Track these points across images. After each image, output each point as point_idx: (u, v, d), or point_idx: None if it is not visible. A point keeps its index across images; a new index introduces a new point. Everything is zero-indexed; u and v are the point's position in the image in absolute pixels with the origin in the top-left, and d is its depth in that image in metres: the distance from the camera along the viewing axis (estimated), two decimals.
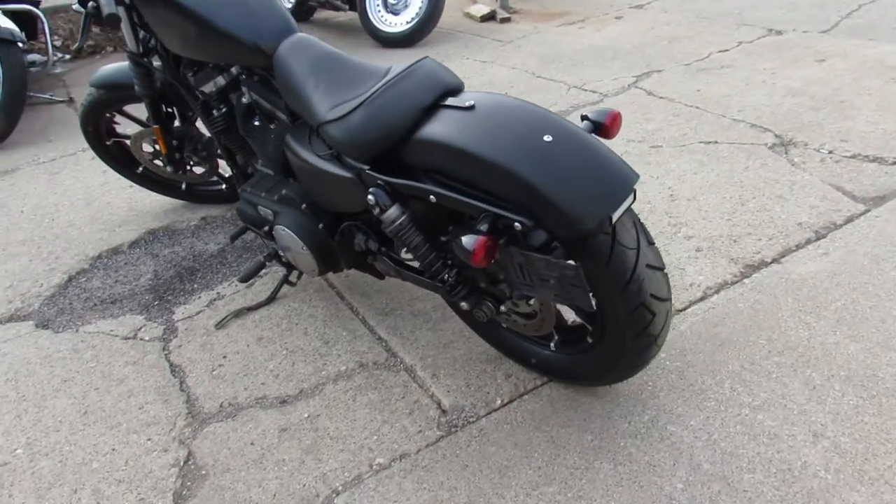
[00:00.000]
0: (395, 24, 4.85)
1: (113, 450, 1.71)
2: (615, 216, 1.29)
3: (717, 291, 2.04)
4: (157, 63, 2.11)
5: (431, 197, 1.42)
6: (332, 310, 2.14)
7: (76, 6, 1.89)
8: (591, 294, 1.38)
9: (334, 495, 1.54)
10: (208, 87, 1.98)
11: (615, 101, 3.50)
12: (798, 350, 1.80)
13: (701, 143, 2.95)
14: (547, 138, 1.31)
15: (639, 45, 4.37)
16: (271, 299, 2.20)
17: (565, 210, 1.26)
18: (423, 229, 1.52)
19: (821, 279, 2.04)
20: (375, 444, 1.66)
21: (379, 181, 1.49)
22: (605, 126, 1.47)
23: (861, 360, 1.74)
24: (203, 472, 1.63)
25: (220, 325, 2.12)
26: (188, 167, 2.57)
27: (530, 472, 1.54)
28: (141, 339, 2.10)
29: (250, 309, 2.18)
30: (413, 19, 4.78)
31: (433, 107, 1.45)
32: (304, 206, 1.82)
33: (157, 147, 2.50)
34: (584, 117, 1.50)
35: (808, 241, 2.22)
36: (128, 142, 2.57)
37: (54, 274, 2.47)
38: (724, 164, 2.75)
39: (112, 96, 2.38)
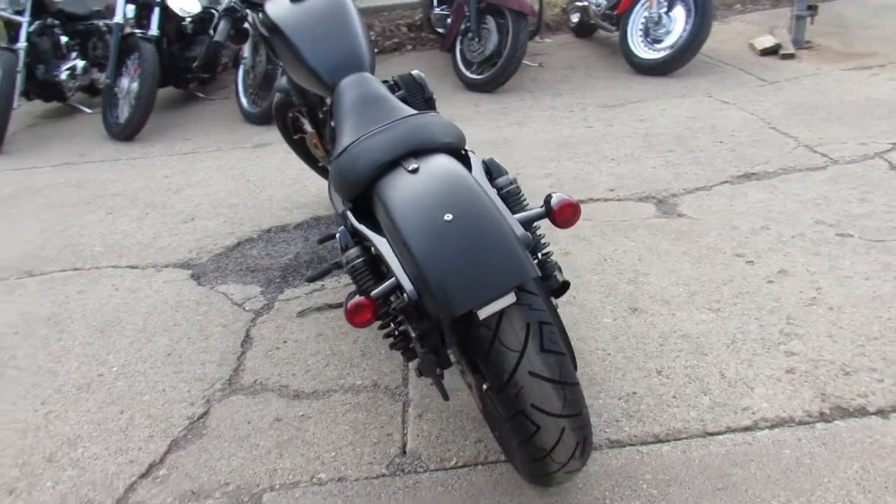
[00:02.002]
0: (653, 50, 4.63)
1: (163, 390, 2.10)
2: (483, 312, 1.21)
3: (771, 427, 1.70)
4: None
5: (373, 248, 1.47)
6: None
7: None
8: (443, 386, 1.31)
9: (268, 490, 1.70)
10: (319, 108, 2.23)
11: (839, 170, 2.95)
12: None
13: None
14: (447, 217, 1.28)
15: None
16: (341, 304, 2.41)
17: (434, 292, 1.23)
18: (378, 276, 1.57)
19: None
20: (330, 459, 1.78)
21: (348, 222, 1.58)
22: (552, 213, 1.36)
23: None
24: (203, 431, 1.92)
25: (301, 313, 2.40)
26: None
27: None
28: (243, 308, 2.48)
29: (330, 306, 2.42)
30: (671, 47, 4.51)
31: (394, 163, 1.49)
32: None
33: None
34: (546, 199, 1.41)
35: None
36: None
37: (230, 237, 3.01)
38: None
39: (290, 100, 2.78)
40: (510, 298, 1.23)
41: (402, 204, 1.35)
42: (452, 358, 1.54)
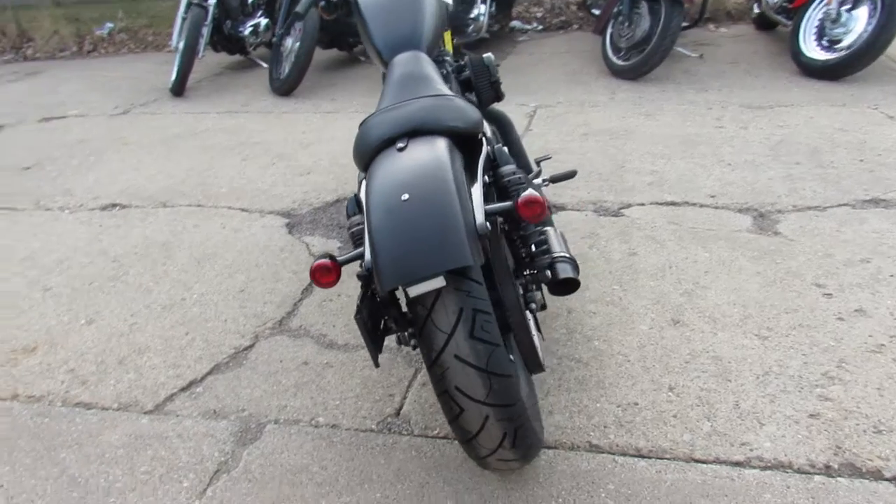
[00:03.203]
0: (827, 50, 4.19)
1: (225, 320, 2.37)
2: (412, 290, 1.27)
3: (763, 468, 1.59)
4: None
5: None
6: None
7: None
8: (376, 354, 1.37)
9: (272, 423, 1.89)
10: None
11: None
12: None
13: None
14: (404, 197, 1.34)
15: None
16: None
17: (378, 266, 1.31)
18: None
19: None
20: (333, 407, 1.93)
21: (359, 190, 1.69)
22: (517, 206, 1.37)
23: None
24: (243, 362, 2.16)
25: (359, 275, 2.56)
26: None
27: (378, 497, 1.63)
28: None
29: None
30: (847, 48, 4.06)
31: (392, 140, 1.57)
32: None
33: None
34: (514, 193, 1.42)
35: None
36: None
37: (333, 194, 3.25)
38: None
39: None
40: (439, 282, 1.27)
41: (376, 179, 1.43)
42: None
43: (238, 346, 2.22)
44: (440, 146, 1.49)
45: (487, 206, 1.41)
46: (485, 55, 2.24)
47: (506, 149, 1.72)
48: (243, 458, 1.78)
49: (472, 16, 5.16)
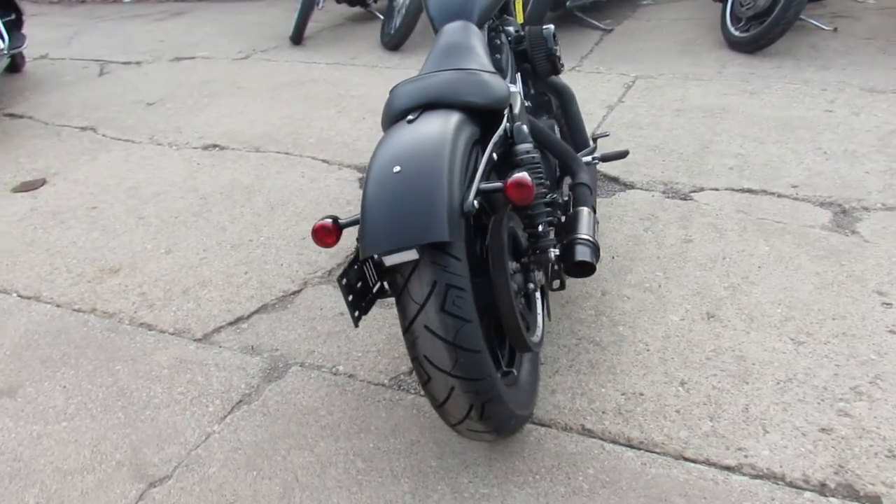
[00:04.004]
0: None
1: (281, 265, 2.54)
2: (387, 260, 1.34)
3: (753, 476, 1.55)
4: None
5: None
6: None
7: None
8: (354, 314, 1.44)
9: (297, 365, 2.04)
10: None
11: None
12: None
13: None
14: (396, 169, 1.40)
15: None
16: None
17: (362, 233, 1.38)
18: None
19: None
20: (355, 358, 2.05)
21: None
22: (505, 187, 1.39)
23: None
24: (287, 305, 2.32)
25: None
26: None
27: (371, 447, 1.74)
28: None
29: None
30: None
31: (407, 111, 1.61)
32: None
33: None
34: (508, 174, 1.43)
35: None
36: None
37: None
38: None
39: None
40: (412, 255, 1.32)
41: (379, 150, 1.49)
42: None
43: (287, 290, 2.39)
44: (449, 121, 1.52)
45: (483, 186, 1.43)
46: (545, 27, 2.21)
47: (525, 127, 1.70)
48: (265, 393, 1.94)
49: None
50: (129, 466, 1.75)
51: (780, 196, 2.63)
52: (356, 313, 1.45)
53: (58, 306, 2.42)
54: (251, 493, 1.64)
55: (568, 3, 4.93)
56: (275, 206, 2.94)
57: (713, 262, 2.28)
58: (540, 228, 1.64)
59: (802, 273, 2.18)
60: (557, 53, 2.20)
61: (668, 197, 2.70)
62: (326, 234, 1.48)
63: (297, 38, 5.35)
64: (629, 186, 2.82)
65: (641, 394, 1.80)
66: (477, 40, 1.93)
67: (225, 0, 7.37)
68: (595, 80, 4.00)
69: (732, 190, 2.70)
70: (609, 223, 2.55)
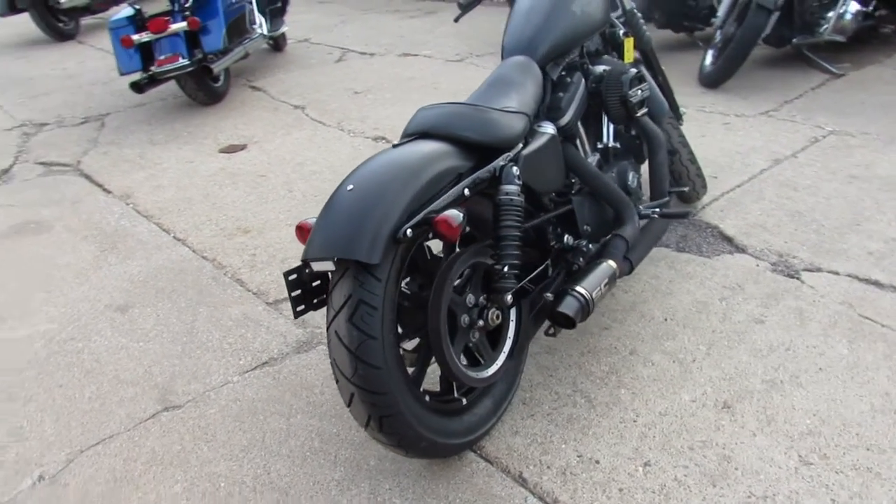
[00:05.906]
0: None
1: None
2: (314, 266, 1.50)
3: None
4: None
5: None
6: None
7: None
8: (296, 308, 1.60)
9: (322, 343, 2.27)
10: None
11: None
12: None
13: None
14: (349, 187, 1.54)
15: None
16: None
17: (308, 239, 1.55)
18: None
19: None
20: None
21: None
22: (433, 220, 1.47)
23: None
24: None
25: None
26: None
27: (344, 426, 1.91)
28: None
29: None
30: None
31: (407, 136, 1.74)
32: None
33: None
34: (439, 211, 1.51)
35: None
36: None
37: None
38: None
39: None
40: (328, 265, 1.47)
41: (356, 167, 1.64)
42: None
43: None
44: (426, 150, 1.62)
45: (420, 216, 1.51)
46: (630, 70, 2.15)
47: (515, 169, 1.71)
48: (286, 361, 2.20)
49: (829, 13, 4.47)
50: (160, 390, 2.12)
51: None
52: (299, 307, 1.63)
53: (193, 251, 2.93)
54: (225, 439, 1.91)
55: (795, 40, 4.47)
56: (317, 171, 3.23)
57: (771, 350, 2.05)
58: (505, 269, 1.66)
59: (868, 389, 1.87)
60: (634, 99, 2.12)
61: (774, 270, 2.44)
62: (302, 234, 1.67)
63: None
64: (739, 250, 2.58)
65: (597, 461, 1.73)
66: (529, 77, 1.97)
67: (490, 4, 7.80)
68: (780, 128, 3.63)
69: (855, 278, 2.35)
70: (688, 283, 2.39)
